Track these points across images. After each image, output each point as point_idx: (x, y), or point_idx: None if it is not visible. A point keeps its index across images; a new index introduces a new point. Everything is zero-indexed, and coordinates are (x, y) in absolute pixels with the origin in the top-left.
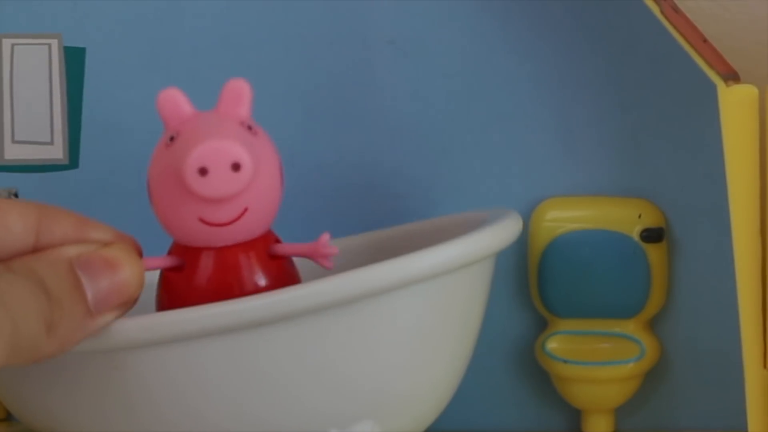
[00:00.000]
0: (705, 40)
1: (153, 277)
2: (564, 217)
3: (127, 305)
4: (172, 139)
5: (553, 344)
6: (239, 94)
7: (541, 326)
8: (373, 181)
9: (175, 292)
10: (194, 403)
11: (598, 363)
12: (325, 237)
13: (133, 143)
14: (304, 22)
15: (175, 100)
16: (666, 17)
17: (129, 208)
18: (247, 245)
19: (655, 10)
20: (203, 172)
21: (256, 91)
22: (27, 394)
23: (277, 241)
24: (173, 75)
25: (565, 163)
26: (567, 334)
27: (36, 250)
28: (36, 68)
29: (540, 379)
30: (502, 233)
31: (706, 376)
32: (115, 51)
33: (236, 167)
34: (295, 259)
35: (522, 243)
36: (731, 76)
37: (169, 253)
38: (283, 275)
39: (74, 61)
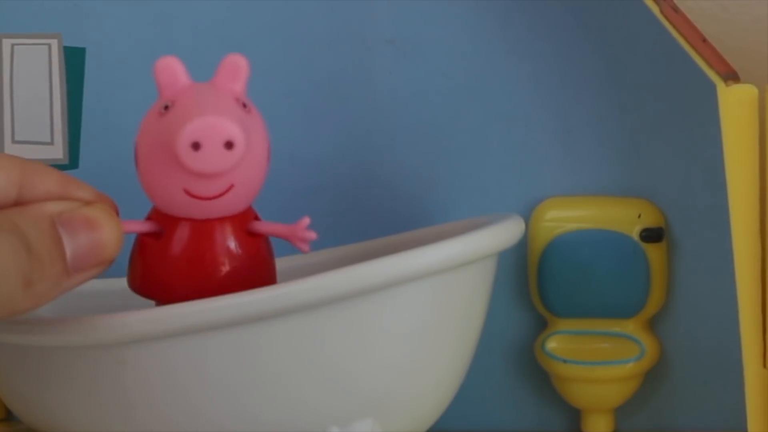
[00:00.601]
0: (705, 40)
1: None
2: (564, 216)
3: (103, 266)
4: (166, 108)
5: (552, 344)
6: (236, 70)
7: (541, 326)
8: (372, 181)
9: (149, 257)
10: (195, 399)
11: (597, 363)
12: (305, 220)
13: (133, 143)
14: (304, 22)
15: (173, 69)
16: (666, 17)
17: (129, 208)
18: (227, 220)
19: (655, 9)
20: (196, 146)
21: (256, 91)
22: (27, 393)
23: (256, 218)
24: None
25: (565, 163)
26: (567, 334)
27: (18, 204)
28: (36, 68)
29: (540, 378)
30: (503, 233)
31: (705, 375)
32: (115, 51)
33: (229, 145)
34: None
35: (522, 243)
36: (731, 76)
37: (148, 218)
38: (259, 253)
39: (74, 61)
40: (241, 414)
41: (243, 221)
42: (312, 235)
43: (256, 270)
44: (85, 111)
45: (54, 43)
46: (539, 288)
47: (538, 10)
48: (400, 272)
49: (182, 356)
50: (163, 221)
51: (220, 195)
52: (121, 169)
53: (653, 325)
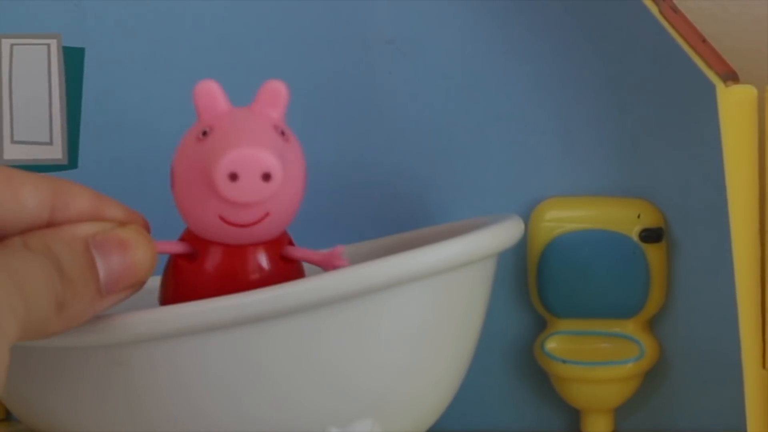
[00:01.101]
0: (704, 40)
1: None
2: (563, 217)
3: (136, 287)
4: (204, 133)
5: (552, 344)
6: (276, 96)
7: (540, 326)
8: (372, 182)
9: (183, 279)
10: (195, 400)
11: (597, 363)
12: (340, 249)
13: (133, 143)
14: (304, 22)
15: (212, 94)
16: (665, 17)
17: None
18: (262, 245)
19: (654, 10)
20: (233, 177)
21: (255, 91)
22: (26, 393)
23: (291, 243)
24: (173, 75)
25: (565, 164)
26: (566, 334)
27: (50, 225)
28: (35, 68)
29: (539, 379)
30: (503, 234)
31: (705, 376)
32: (115, 51)
33: (266, 177)
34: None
35: (521, 243)
36: (730, 76)
37: (182, 239)
38: (292, 277)
39: (73, 61)
40: (242, 414)
41: (277, 246)
42: (345, 263)
43: None
44: (84, 111)
45: (53, 43)
46: (539, 288)
47: (537, 11)
48: (399, 273)
49: (182, 356)
50: (197, 243)
51: (256, 222)
52: (121, 169)
53: (653, 325)
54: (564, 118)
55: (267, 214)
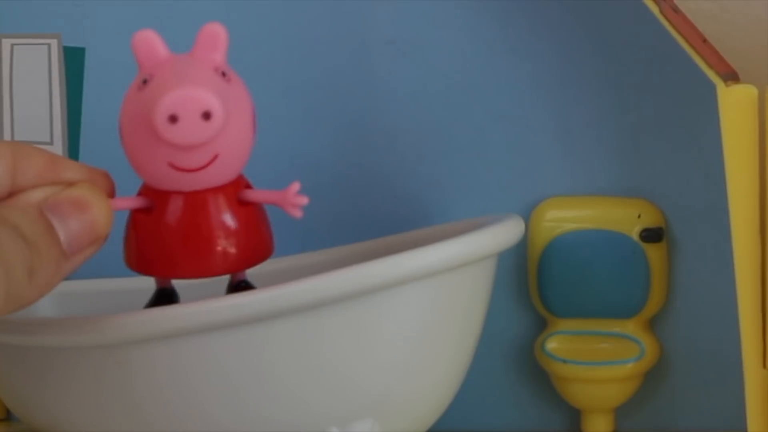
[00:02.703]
0: (705, 40)
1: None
2: (563, 217)
3: (98, 243)
4: (145, 82)
5: (552, 344)
6: (215, 39)
7: (541, 326)
8: (372, 182)
9: (143, 233)
10: (194, 400)
11: (597, 363)
12: (295, 185)
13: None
14: (304, 22)
15: (151, 42)
16: (666, 17)
17: None
18: (217, 190)
19: (655, 10)
20: (173, 119)
21: (256, 91)
22: (26, 393)
23: (248, 186)
24: None
25: (565, 163)
26: (566, 334)
27: (12, 191)
28: (35, 68)
29: (539, 379)
30: (503, 233)
31: (705, 375)
32: (115, 51)
33: (207, 116)
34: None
35: (521, 243)
36: (731, 76)
37: (139, 194)
38: (252, 221)
39: (74, 61)
40: (241, 414)
41: (234, 190)
42: (303, 200)
43: (251, 238)
44: (84, 111)
45: (54, 43)
46: (539, 288)
47: (537, 11)
48: (400, 273)
49: (181, 357)
50: (154, 196)
51: (205, 166)
52: (121, 169)
53: (653, 325)
54: (564, 118)
55: (216, 156)
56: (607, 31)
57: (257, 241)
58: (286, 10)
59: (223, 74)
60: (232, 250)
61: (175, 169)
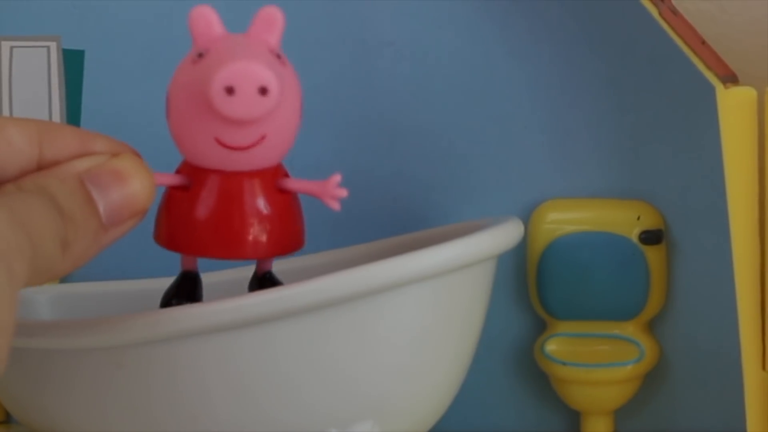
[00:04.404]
0: (703, 42)
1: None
2: (563, 219)
3: (138, 216)
4: (200, 55)
5: (552, 346)
6: (271, 22)
7: (540, 328)
8: (372, 184)
9: (177, 211)
10: (195, 401)
11: (597, 365)
12: (336, 177)
13: (133, 145)
14: (303, 24)
15: (208, 19)
16: (664, 19)
17: None
18: (257, 174)
19: (654, 12)
20: (230, 91)
21: None
22: (26, 396)
23: (287, 175)
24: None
25: (564, 166)
26: (566, 336)
27: (40, 165)
28: (35, 71)
29: (539, 381)
30: (502, 236)
31: (705, 377)
32: (114, 53)
33: (263, 91)
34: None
35: (521, 245)
36: (730, 78)
37: (177, 171)
38: (287, 209)
39: (73, 63)
40: (241, 415)
41: (273, 177)
42: (343, 192)
43: (284, 226)
44: (84, 113)
45: (53, 45)
46: (538, 290)
47: (536, 13)
48: (399, 275)
49: (181, 358)
50: (193, 174)
51: (252, 146)
52: None
53: (652, 327)
54: (564, 120)
55: (263, 137)
56: (606, 33)
57: (289, 230)
58: (286, 12)
59: (278, 57)
60: (264, 236)
61: (221, 146)
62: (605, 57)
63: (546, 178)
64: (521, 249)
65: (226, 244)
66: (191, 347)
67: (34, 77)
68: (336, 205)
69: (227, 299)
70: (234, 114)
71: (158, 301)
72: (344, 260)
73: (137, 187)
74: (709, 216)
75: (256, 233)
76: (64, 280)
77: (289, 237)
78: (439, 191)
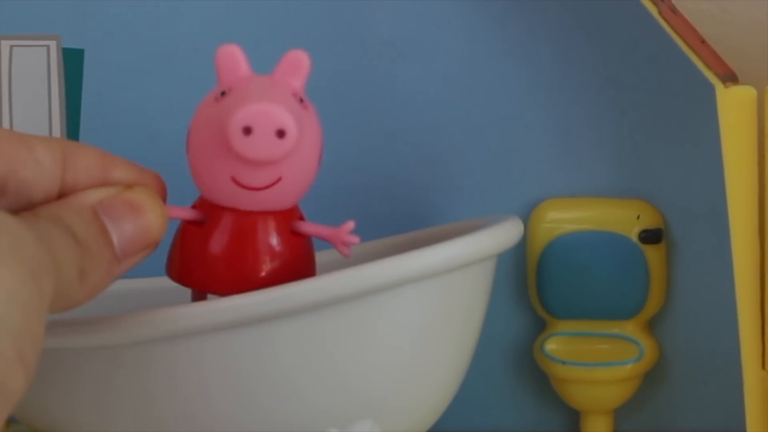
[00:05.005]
0: (703, 41)
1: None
2: (562, 218)
3: (151, 248)
4: (223, 94)
5: (551, 345)
6: (297, 65)
7: (540, 327)
8: (370, 183)
9: (190, 245)
10: (195, 401)
11: (596, 364)
12: (349, 224)
13: (133, 144)
14: (303, 23)
15: (234, 57)
16: (664, 18)
17: None
18: (272, 215)
19: (654, 11)
20: (248, 131)
21: None
22: (27, 394)
23: (302, 218)
24: (172, 76)
25: (564, 165)
26: (566, 336)
27: (62, 187)
28: (34, 70)
29: (539, 380)
30: (502, 235)
31: (704, 377)
32: (114, 52)
33: (281, 133)
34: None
35: (520, 244)
36: (729, 78)
37: (194, 206)
38: (300, 253)
39: (73, 62)
40: (241, 415)
41: (288, 219)
42: (355, 239)
43: (295, 268)
44: (84, 112)
45: (53, 44)
46: (538, 289)
47: (536, 12)
48: (399, 274)
49: (182, 358)
50: (208, 210)
51: (267, 187)
52: None
53: (652, 326)
54: (563, 119)
55: (279, 179)
56: (606, 33)
57: (301, 273)
58: (286, 11)
59: (301, 100)
60: (275, 277)
61: (237, 185)
62: (605, 56)
63: (546, 177)
64: (521, 248)
65: (236, 283)
66: (191, 346)
67: (33, 76)
68: (348, 252)
69: (226, 299)
70: (250, 155)
71: (158, 300)
72: (344, 259)
73: (150, 218)
74: (709, 215)
75: (268, 274)
76: None
77: (300, 278)
78: (439, 190)
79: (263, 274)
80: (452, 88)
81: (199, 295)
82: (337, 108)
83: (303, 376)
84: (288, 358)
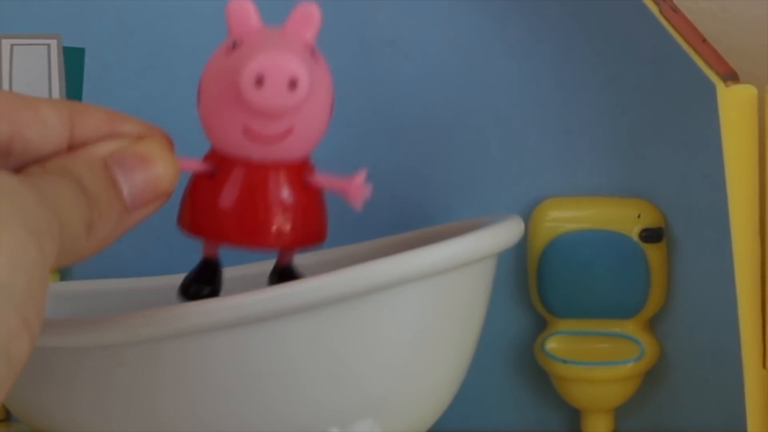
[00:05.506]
0: (704, 40)
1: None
2: (563, 217)
3: (161, 200)
4: (234, 45)
5: (552, 344)
6: (308, 18)
7: (541, 326)
8: (371, 182)
9: (201, 197)
10: (195, 400)
11: (597, 363)
12: (361, 175)
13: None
14: None
15: (246, 9)
16: (665, 17)
17: None
18: (283, 167)
19: (655, 10)
20: (260, 81)
21: None
22: (27, 394)
23: (313, 170)
24: (172, 75)
25: (565, 164)
26: (566, 334)
27: (71, 146)
28: (35, 68)
29: (539, 379)
30: (503, 234)
31: (705, 376)
32: (115, 51)
33: (293, 83)
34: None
35: (521, 243)
36: (730, 76)
37: (204, 159)
38: (311, 204)
39: (73, 61)
40: (241, 414)
41: (299, 171)
42: (367, 191)
43: (307, 221)
44: None
45: (53, 43)
46: (539, 288)
47: (536, 11)
48: (400, 273)
49: (181, 357)
50: (219, 162)
51: (279, 137)
52: None
53: (653, 325)
54: (564, 118)
55: (290, 129)
56: (607, 32)
57: (312, 225)
58: (285, 11)
59: (312, 53)
60: (287, 228)
61: (249, 136)
62: (606, 55)
63: (546, 176)
64: (522, 247)
65: (249, 232)
66: (191, 346)
67: (34, 75)
68: (359, 204)
69: (226, 298)
70: (262, 104)
71: (158, 299)
72: (344, 258)
73: (161, 170)
74: (710, 214)
75: (280, 223)
76: (65, 277)
77: (311, 230)
78: (440, 189)
79: (275, 224)
80: (452, 87)
81: (210, 248)
82: (337, 106)
83: (303, 375)
84: (288, 356)
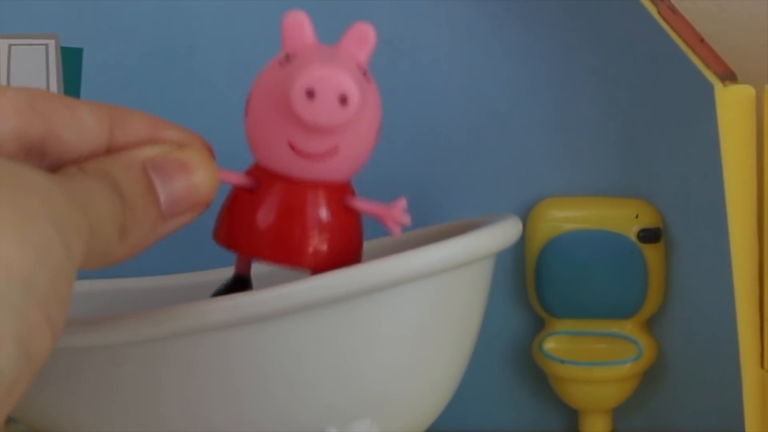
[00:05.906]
0: (702, 40)
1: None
2: (561, 217)
3: (199, 208)
4: (287, 59)
5: (550, 344)
6: (363, 38)
7: (539, 326)
8: (369, 182)
9: (240, 211)
10: (194, 400)
11: (595, 363)
12: (402, 202)
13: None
14: None
15: (301, 25)
16: (663, 17)
17: None
18: (324, 187)
19: (653, 10)
20: (311, 95)
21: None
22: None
23: (354, 194)
24: (171, 75)
25: (563, 164)
26: (564, 335)
27: (110, 148)
28: (33, 68)
29: (537, 379)
30: (501, 234)
31: (703, 376)
32: (113, 51)
33: (343, 100)
34: None
35: (519, 243)
36: (728, 76)
37: (247, 173)
38: (349, 227)
39: (71, 61)
40: (240, 414)
41: (340, 193)
42: (407, 219)
43: (343, 243)
44: None
45: (51, 43)
46: (537, 288)
47: (535, 11)
48: (398, 273)
49: (182, 357)
50: (261, 177)
51: (324, 155)
52: None
53: (651, 325)
54: (562, 118)
55: (336, 148)
56: (605, 31)
57: (348, 248)
58: (285, 10)
59: (364, 73)
60: (323, 249)
61: (293, 152)
62: (604, 55)
63: (544, 176)
64: (520, 247)
65: (285, 251)
66: (191, 345)
67: (32, 75)
68: (398, 230)
69: (223, 298)
70: (311, 118)
71: (158, 299)
72: None
73: (200, 179)
74: (708, 214)
75: (316, 245)
76: None
77: (346, 254)
78: (438, 189)
79: (311, 245)
80: (450, 86)
81: (243, 263)
82: None
83: (303, 374)
84: (287, 357)
